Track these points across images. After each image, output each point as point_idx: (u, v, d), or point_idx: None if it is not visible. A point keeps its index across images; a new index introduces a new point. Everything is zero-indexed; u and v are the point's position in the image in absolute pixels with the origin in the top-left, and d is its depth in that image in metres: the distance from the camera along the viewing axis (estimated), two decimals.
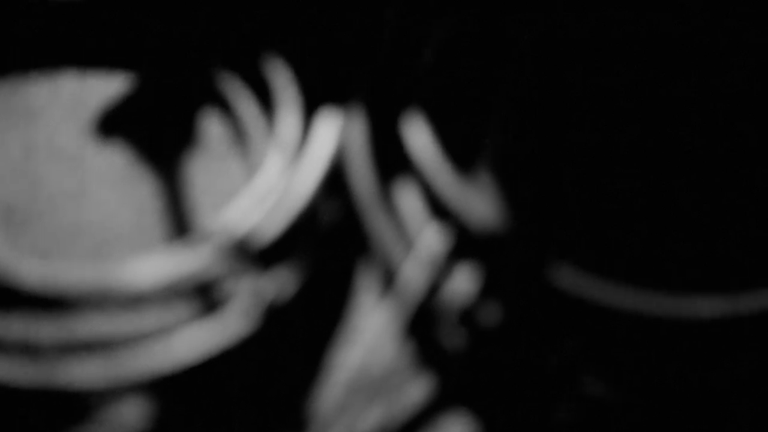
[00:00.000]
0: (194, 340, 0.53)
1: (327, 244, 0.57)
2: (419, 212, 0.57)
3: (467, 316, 0.55)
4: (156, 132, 0.60)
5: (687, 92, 0.64)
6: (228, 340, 0.53)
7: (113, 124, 0.60)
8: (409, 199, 0.57)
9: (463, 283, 0.55)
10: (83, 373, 0.52)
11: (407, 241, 0.56)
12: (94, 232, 0.56)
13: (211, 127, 0.60)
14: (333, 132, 0.58)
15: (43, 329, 0.53)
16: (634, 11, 0.66)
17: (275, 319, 0.54)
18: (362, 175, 0.57)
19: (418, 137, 0.58)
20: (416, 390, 0.54)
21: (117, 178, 0.58)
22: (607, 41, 0.65)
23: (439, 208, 0.57)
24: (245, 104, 0.60)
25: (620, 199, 0.60)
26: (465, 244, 0.56)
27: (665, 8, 0.66)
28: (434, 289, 0.55)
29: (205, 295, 0.54)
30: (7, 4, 0.63)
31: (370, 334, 0.56)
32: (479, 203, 0.57)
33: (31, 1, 0.63)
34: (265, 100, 0.60)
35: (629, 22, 0.66)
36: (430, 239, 0.56)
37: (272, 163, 0.57)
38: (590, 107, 0.63)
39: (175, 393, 0.52)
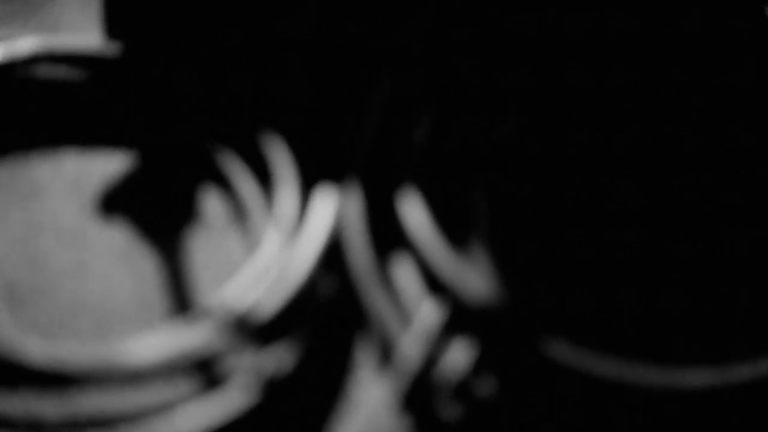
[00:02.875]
0: (196, 415, 0.53)
1: (325, 318, 0.58)
2: (415, 287, 0.58)
3: (463, 388, 0.56)
4: (156, 209, 0.61)
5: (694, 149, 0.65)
6: (229, 414, 0.54)
7: (114, 201, 0.61)
8: (405, 274, 0.59)
9: (459, 356, 0.56)
10: None
11: (404, 316, 0.57)
12: (95, 309, 0.57)
13: (211, 204, 0.61)
14: (330, 208, 0.59)
15: (47, 405, 0.53)
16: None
17: (275, 394, 0.55)
18: (359, 251, 0.58)
19: (413, 213, 0.59)
20: None
21: (118, 255, 0.59)
22: (602, 97, 0.66)
23: (434, 283, 0.58)
24: (244, 181, 0.61)
25: (613, 272, 0.61)
26: (460, 317, 0.57)
27: (662, 8, 0.67)
28: (431, 362, 0.56)
29: (206, 371, 0.55)
30: (7, 83, 0.64)
31: (369, 406, 0.56)
32: (474, 278, 0.58)
33: (29, 81, 0.64)
34: (264, 177, 0.61)
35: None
36: (426, 313, 0.57)
37: (271, 240, 0.58)
38: (582, 178, 0.64)
39: None
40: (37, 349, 0.54)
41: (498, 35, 0.66)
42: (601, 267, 0.61)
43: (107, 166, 0.62)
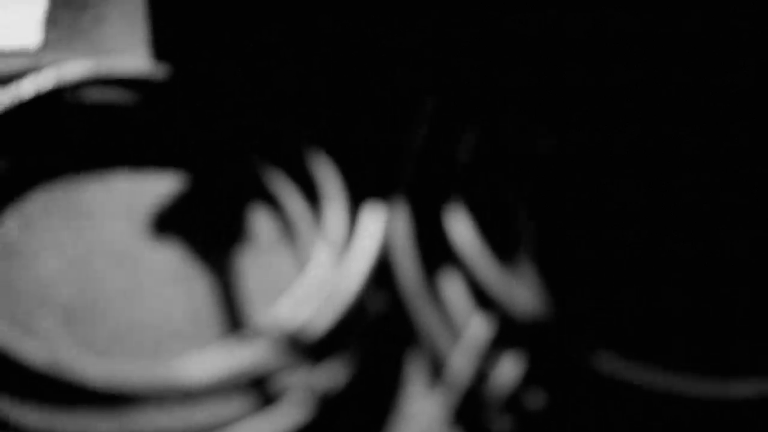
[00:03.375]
0: None
1: (376, 335, 0.58)
2: (464, 302, 0.59)
3: (513, 402, 0.56)
4: (207, 229, 0.62)
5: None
6: (284, 431, 0.55)
7: (165, 222, 0.62)
8: (453, 290, 0.59)
9: (509, 370, 0.56)
10: None
11: (453, 331, 0.58)
12: (150, 329, 0.58)
13: (261, 222, 0.62)
14: (378, 225, 0.60)
15: (104, 423, 0.54)
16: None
17: (329, 410, 0.56)
18: (408, 268, 0.59)
19: (460, 229, 0.60)
20: None
21: (171, 275, 0.60)
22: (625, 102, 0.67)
23: (483, 298, 0.58)
24: (292, 200, 0.62)
25: (662, 285, 0.61)
26: (509, 332, 0.57)
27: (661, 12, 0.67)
28: (481, 376, 0.57)
29: (260, 388, 0.56)
30: (58, 108, 0.65)
31: (421, 421, 0.57)
32: (521, 292, 0.58)
33: (79, 105, 0.65)
34: (312, 195, 0.62)
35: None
36: (475, 328, 0.57)
37: (321, 258, 0.59)
38: (628, 191, 0.65)
39: None
40: (94, 368, 0.55)
41: (532, 51, 0.67)
42: (649, 280, 0.61)
43: (158, 187, 0.63)
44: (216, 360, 0.55)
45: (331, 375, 0.56)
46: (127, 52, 0.68)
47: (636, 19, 0.67)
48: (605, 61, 0.67)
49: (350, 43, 0.66)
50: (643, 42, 0.67)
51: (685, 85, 0.67)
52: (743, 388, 0.56)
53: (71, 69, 0.65)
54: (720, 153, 0.66)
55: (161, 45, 0.67)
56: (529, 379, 0.57)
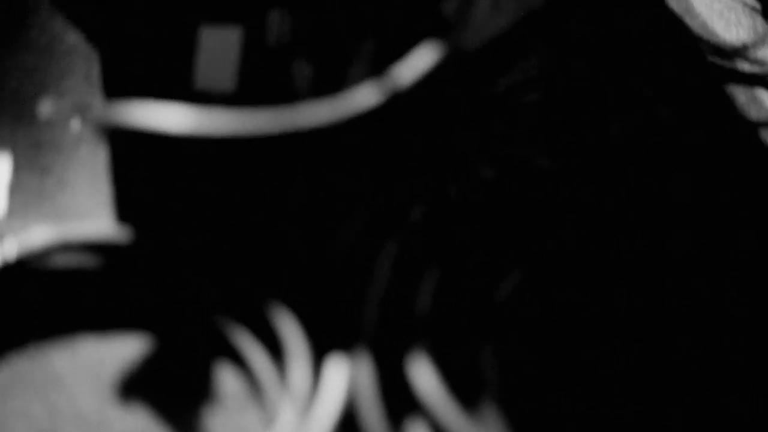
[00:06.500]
0: None
1: None
2: None
3: None
4: (174, 391, 0.62)
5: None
6: None
7: (133, 386, 0.62)
8: None
9: None
10: None
11: None
12: None
13: (227, 380, 0.63)
14: (342, 377, 0.61)
15: None
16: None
17: None
18: (373, 419, 0.60)
19: (424, 377, 0.61)
20: None
21: None
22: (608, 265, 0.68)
23: None
24: (257, 356, 0.63)
25: (626, 427, 0.62)
26: None
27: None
28: None
29: None
30: (22, 275, 0.66)
31: None
32: None
33: (44, 271, 0.66)
34: (276, 350, 0.63)
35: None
36: None
37: (287, 414, 0.60)
38: (584, 336, 0.65)
39: None
40: None
41: (495, 197, 0.69)
42: (611, 423, 0.62)
43: (124, 350, 0.64)
44: None
45: None
46: (91, 216, 0.69)
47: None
48: (599, 227, 0.68)
49: (309, 203, 0.68)
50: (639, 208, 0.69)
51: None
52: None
53: (36, 236, 0.66)
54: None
55: (125, 208, 0.68)
56: None
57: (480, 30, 0.66)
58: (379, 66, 0.66)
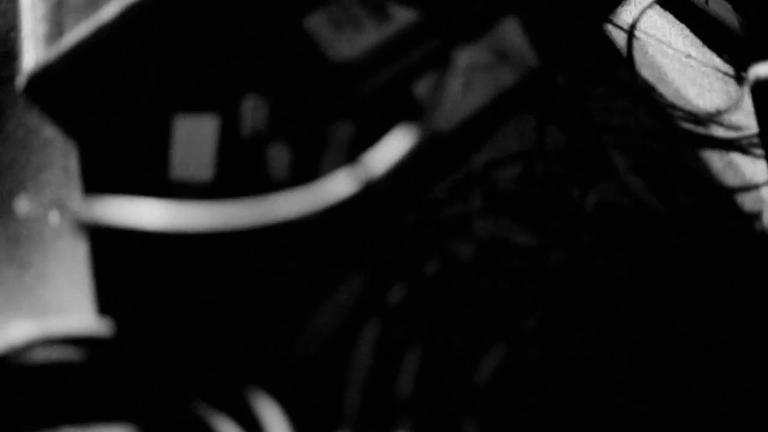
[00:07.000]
0: None
1: None
2: None
3: None
4: None
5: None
6: None
7: None
8: None
9: None
10: None
11: None
12: None
13: None
14: None
15: None
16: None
17: None
18: None
19: None
20: None
21: None
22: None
23: None
24: None
25: None
26: None
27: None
28: None
29: None
30: (3, 371, 0.66)
31: None
32: None
33: (25, 366, 0.66)
34: None
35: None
36: None
37: None
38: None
39: None
40: None
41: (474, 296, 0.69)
42: None
43: None
44: None
45: None
46: (72, 310, 0.69)
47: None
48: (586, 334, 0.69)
49: (286, 290, 0.68)
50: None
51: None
52: None
53: (16, 332, 0.66)
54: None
55: (105, 301, 0.68)
56: None
57: (453, 110, 0.67)
58: (354, 150, 0.66)
